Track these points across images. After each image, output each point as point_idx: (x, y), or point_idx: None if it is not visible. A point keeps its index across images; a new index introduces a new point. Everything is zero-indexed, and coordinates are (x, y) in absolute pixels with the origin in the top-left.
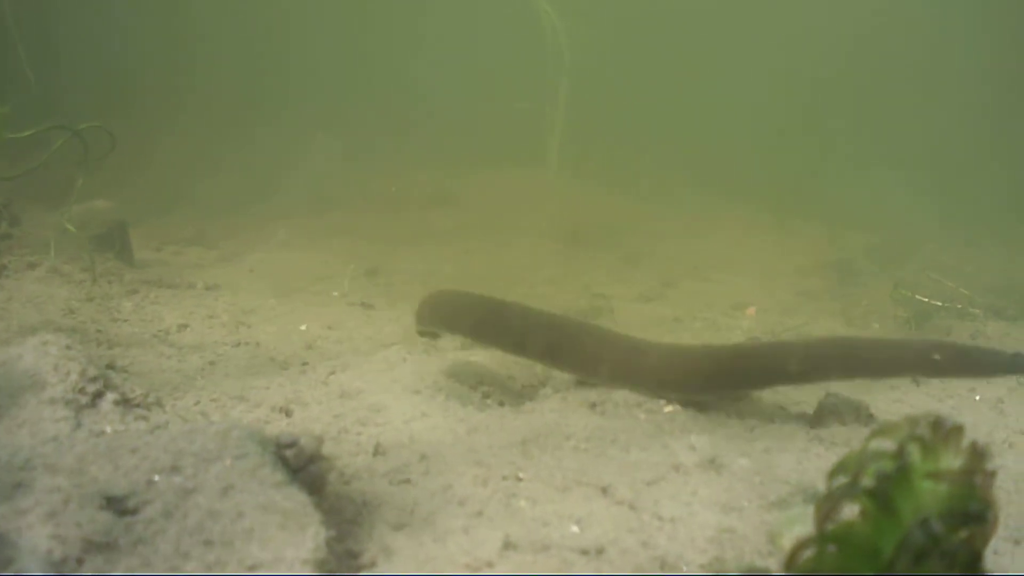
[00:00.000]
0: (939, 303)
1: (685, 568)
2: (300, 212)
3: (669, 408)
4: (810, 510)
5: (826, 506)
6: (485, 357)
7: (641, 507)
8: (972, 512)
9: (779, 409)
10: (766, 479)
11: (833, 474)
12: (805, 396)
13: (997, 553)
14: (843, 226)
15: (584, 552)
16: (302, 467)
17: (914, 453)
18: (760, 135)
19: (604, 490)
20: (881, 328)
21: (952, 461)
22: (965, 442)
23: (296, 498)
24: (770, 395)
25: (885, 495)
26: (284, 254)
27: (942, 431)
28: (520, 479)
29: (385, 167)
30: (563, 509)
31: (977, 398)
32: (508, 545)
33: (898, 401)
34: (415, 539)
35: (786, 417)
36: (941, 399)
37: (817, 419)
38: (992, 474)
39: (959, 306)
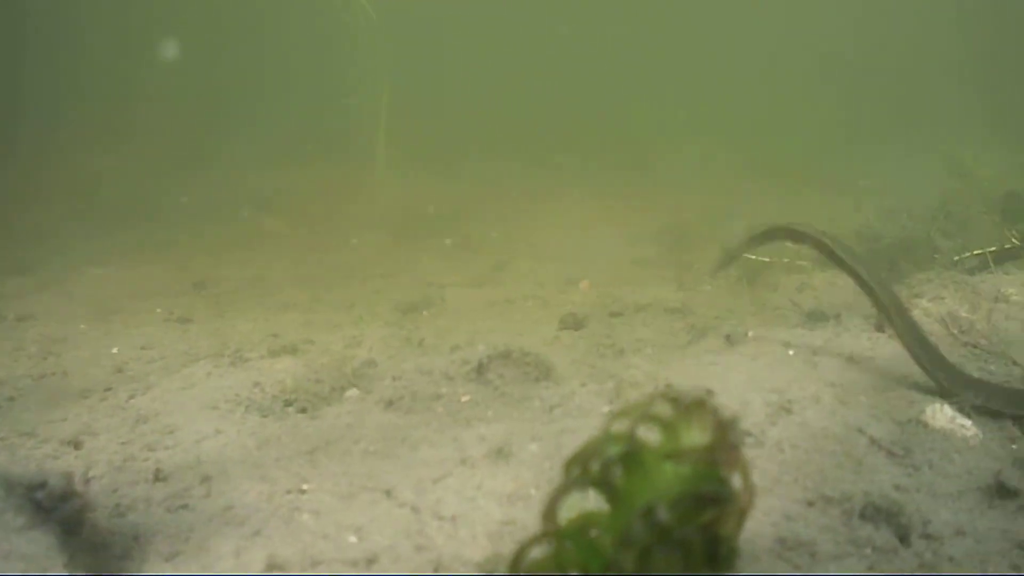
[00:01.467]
0: (767, 259)
1: (461, 568)
2: (122, 226)
3: (466, 397)
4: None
5: (550, 501)
6: (293, 363)
7: (423, 507)
8: (707, 494)
9: (580, 386)
10: (556, 463)
11: (570, 464)
12: (617, 368)
13: (790, 518)
14: (684, 191)
15: (354, 564)
16: (54, 507)
17: (658, 432)
18: (598, 104)
19: (388, 493)
20: (713, 289)
21: (698, 438)
22: (715, 415)
23: (41, 542)
24: (575, 370)
25: (610, 484)
26: (106, 273)
27: (685, 406)
28: (304, 491)
29: (215, 171)
30: (345, 518)
31: (791, 353)
32: (273, 566)
33: (712, 364)
34: (184, 568)
35: (587, 393)
36: (755, 357)
37: (617, 393)
38: (735, 448)
39: (786, 260)
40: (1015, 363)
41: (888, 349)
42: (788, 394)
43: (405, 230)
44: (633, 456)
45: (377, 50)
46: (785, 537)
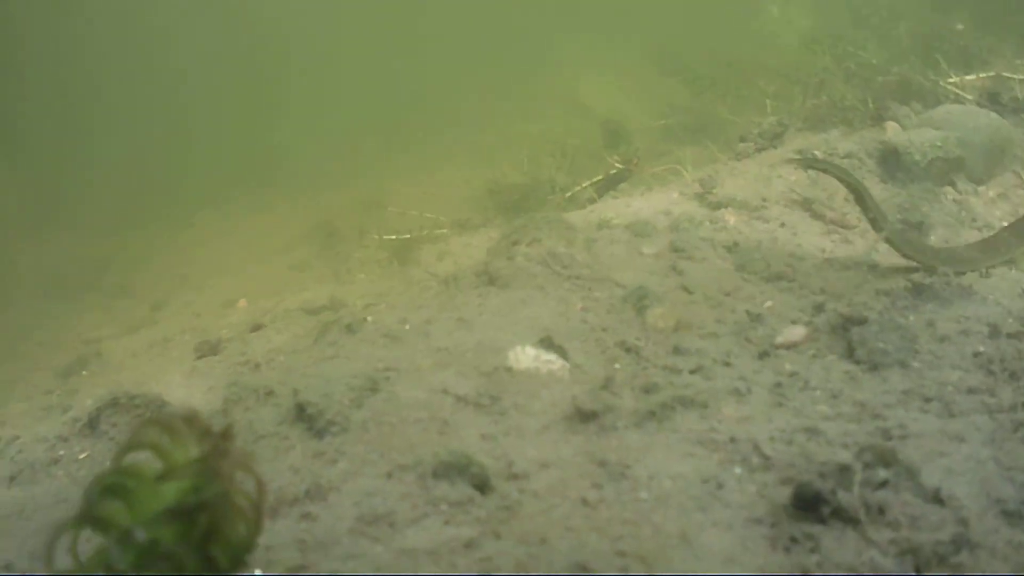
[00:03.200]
0: (408, 235)
1: None
2: None
3: (84, 455)
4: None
5: (50, 539)
6: None
7: None
8: (187, 506)
9: None
10: None
11: (87, 495)
12: None
13: (370, 494)
14: (324, 190)
15: None
16: None
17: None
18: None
19: None
20: (367, 276)
21: (192, 451)
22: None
23: None
24: (198, 400)
25: (96, 518)
26: None
27: (176, 426)
28: None
29: None
30: None
31: (407, 328)
32: None
33: (330, 359)
34: None
35: None
36: (370, 342)
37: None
38: (224, 452)
39: (425, 232)
40: (617, 284)
41: (493, 303)
42: (384, 372)
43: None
44: (119, 486)
45: None
46: (364, 514)
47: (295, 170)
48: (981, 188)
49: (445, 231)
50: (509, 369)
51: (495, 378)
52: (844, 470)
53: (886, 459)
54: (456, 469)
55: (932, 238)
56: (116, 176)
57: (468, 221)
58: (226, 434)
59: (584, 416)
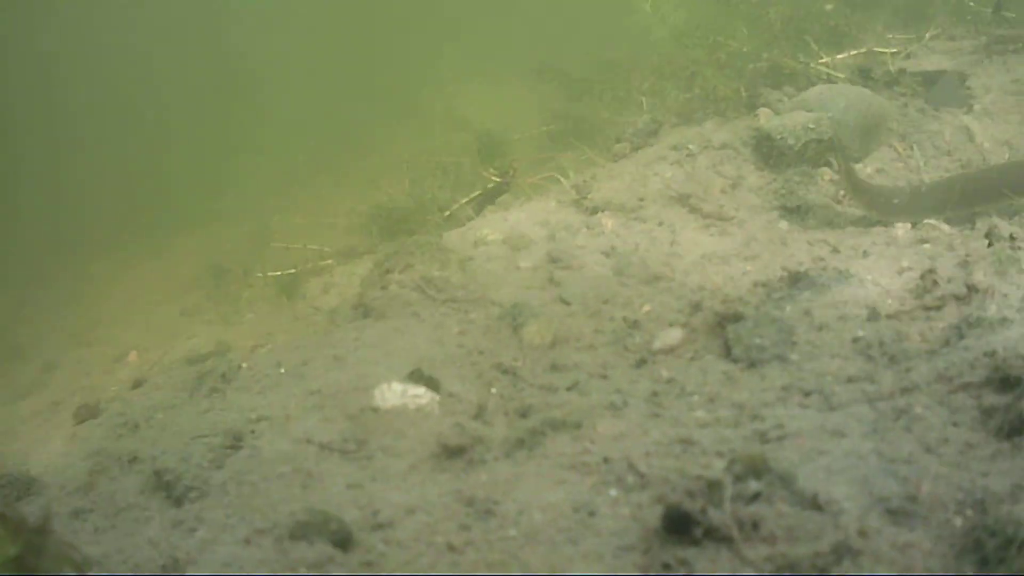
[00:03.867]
0: (293, 270)
1: None
2: None
3: None
4: None
5: None
6: None
7: None
8: None
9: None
10: None
11: None
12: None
13: (227, 564)
14: (213, 227)
15: None
16: None
17: None
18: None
19: None
20: (256, 316)
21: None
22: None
23: None
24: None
25: None
26: None
27: None
28: None
29: None
30: None
31: (281, 371)
32: None
33: (208, 411)
34: None
35: None
36: (246, 389)
37: None
38: (39, 549)
39: (310, 264)
40: (494, 303)
41: (369, 336)
42: (255, 422)
43: None
44: None
45: None
46: None
47: (185, 208)
48: (858, 165)
49: (330, 262)
50: (375, 409)
51: (361, 420)
52: (714, 486)
53: (757, 469)
54: (314, 528)
55: (811, 220)
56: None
57: (353, 249)
58: (42, 530)
59: (451, 452)
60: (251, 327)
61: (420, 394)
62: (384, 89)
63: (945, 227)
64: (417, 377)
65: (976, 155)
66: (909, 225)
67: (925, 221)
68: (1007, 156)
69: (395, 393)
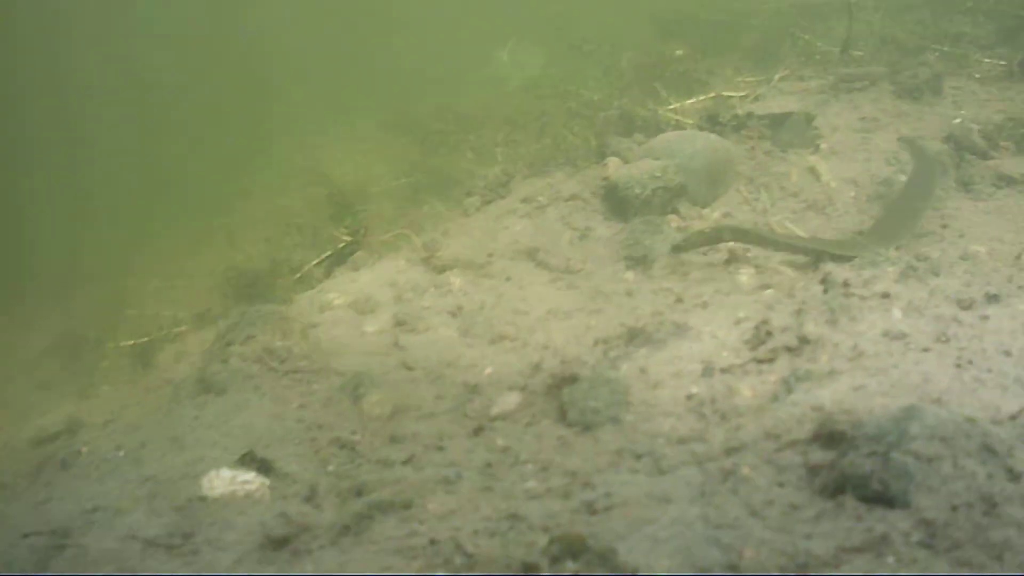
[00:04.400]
0: (147, 338)
1: None
2: None
3: None
4: None
5: None
6: None
7: None
8: None
9: None
10: None
11: None
12: None
13: None
14: (71, 292)
15: None
16: None
17: None
18: None
19: None
20: (112, 388)
21: None
22: None
23: None
24: None
25: None
26: None
27: None
28: None
29: None
30: None
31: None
32: None
33: None
34: None
35: None
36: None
37: None
38: None
39: (164, 331)
40: (337, 373)
41: (209, 414)
42: (88, 514)
43: None
44: None
45: None
46: None
47: (42, 271)
48: (706, 211)
49: (184, 328)
50: (203, 499)
51: (189, 512)
52: (530, 567)
53: (575, 549)
54: None
55: (657, 270)
56: None
57: (207, 313)
58: None
59: (276, 543)
60: (106, 400)
61: (249, 479)
62: (243, 142)
63: (789, 271)
64: (248, 461)
65: (822, 195)
66: (753, 270)
67: (769, 266)
68: (853, 195)
69: (223, 480)
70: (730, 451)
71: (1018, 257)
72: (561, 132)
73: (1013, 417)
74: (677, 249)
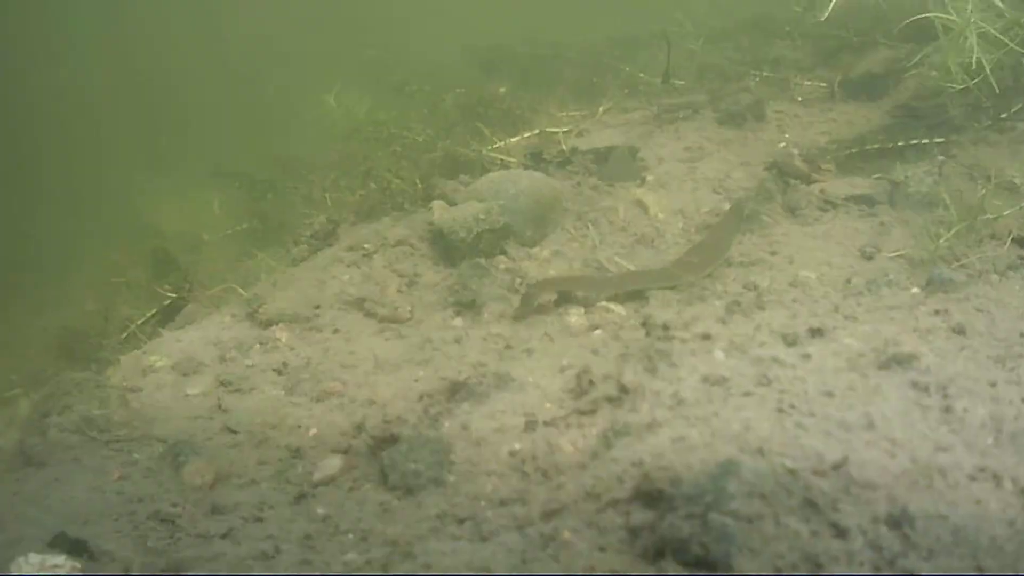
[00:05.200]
0: None
1: None
2: None
3: None
4: None
5: None
6: None
7: None
8: None
9: None
10: None
11: None
12: None
13: None
14: None
15: None
16: None
17: None
18: None
19: None
20: None
21: None
22: None
23: None
24: None
25: None
26: None
27: None
28: None
29: None
30: None
31: None
32: None
33: None
34: None
35: None
36: None
37: None
38: None
39: None
40: (159, 440)
41: (29, 490)
42: None
43: None
44: None
45: None
46: None
47: None
48: (534, 250)
49: (18, 391)
50: None
51: None
52: None
53: None
54: None
55: (486, 315)
56: None
57: (40, 375)
58: None
59: None
60: None
61: (60, 563)
62: (78, 193)
63: (619, 309)
64: (60, 542)
65: (650, 228)
66: (583, 309)
67: (599, 304)
68: (681, 225)
69: (32, 566)
70: (551, 514)
71: (848, 281)
72: (386, 176)
73: (836, 467)
74: (519, 317)
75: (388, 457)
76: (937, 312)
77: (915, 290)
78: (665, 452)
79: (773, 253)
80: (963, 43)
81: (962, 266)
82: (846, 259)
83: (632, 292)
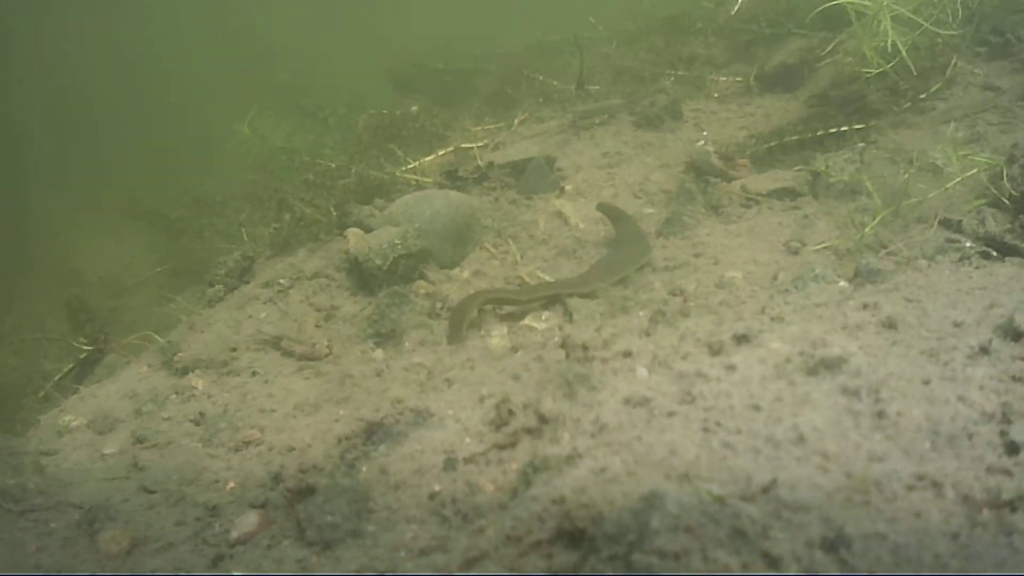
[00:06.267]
0: None
1: None
2: None
3: None
4: None
5: None
6: None
7: None
8: None
9: None
10: None
11: None
12: None
13: None
14: None
15: None
16: None
17: None
18: None
19: None
20: None
21: None
22: None
23: None
24: None
25: None
26: None
27: None
28: None
29: None
30: None
31: None
32: None
33: None
34: None
35: None
36: None
37: None
38: None
39: None
40: (75, 506)
41: None
42: None
43: None
44: None
45: None
46: None
47: None
48: (454, 272)
49: None
50: None
51: None
52: None
53: None
54: None
55: (407, 344)
56: None
57: None
58: None
59: None
60: None
61: None
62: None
63: (539, 325)
64: None
65: (571, 239)
66: (505, 329)
67: (521, 323)
68: (603, 234)
69: None
70: (472, 562)
71: (774, 278)
72: (300, 206)
73: (765, 490)
74: (452, 341)
75: (304, 510)
76: (865, 306)
77: (843, 283)
78: (587, 486)
79: (697, 255)
80: (877, 27)
81: (889, 253)
82: (771, 255)
83: (555, 305)
